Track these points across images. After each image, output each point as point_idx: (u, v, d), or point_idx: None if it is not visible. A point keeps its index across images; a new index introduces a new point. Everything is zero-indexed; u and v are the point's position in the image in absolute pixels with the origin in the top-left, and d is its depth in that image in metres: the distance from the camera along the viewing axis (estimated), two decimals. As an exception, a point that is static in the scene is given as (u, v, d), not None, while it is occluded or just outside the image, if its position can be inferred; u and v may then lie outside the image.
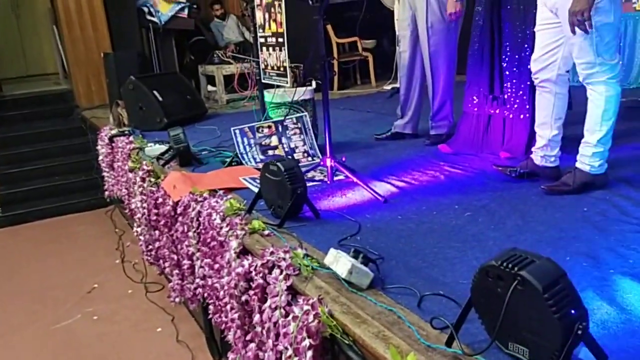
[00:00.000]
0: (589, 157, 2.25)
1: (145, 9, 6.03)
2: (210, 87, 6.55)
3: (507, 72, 2.86)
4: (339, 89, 6.75)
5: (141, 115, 4.60)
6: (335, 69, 6.74)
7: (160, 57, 6.10)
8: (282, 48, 2.41)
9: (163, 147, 3.55)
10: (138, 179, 3.22)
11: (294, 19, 3.89)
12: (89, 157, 5.68)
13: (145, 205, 3.08)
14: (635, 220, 1.96)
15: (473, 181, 2.60)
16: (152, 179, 3.12)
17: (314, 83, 3.74)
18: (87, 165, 5.68)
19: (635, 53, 4.88)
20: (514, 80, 2.84)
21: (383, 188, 2.58)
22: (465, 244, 1.90)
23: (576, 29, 2.06)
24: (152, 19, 6.00)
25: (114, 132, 4.44)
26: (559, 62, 2.30)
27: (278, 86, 2.86)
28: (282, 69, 2.47)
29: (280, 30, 2.39)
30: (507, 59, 2.85)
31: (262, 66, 2.65)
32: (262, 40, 2.58)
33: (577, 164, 2.29)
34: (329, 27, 6.60)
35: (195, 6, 6.51)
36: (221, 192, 2.59)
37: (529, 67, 2.57)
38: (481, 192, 2.43)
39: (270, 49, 2.52)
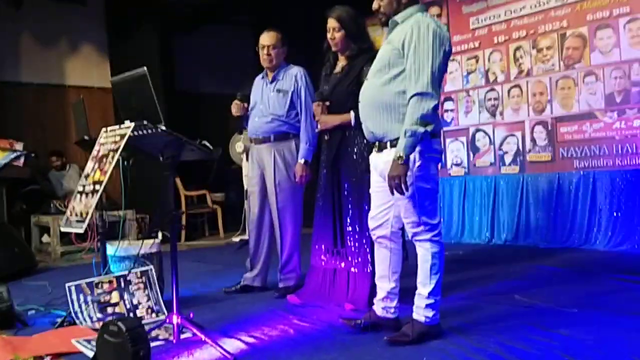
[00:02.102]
0: (423, 309, 2.43)
1: (-25, 156, 5.62)
2: (45, 238, 6.07)
3: (349, 229, 3.08)
4: (187, 240, 6.67)
5: (-44, 270, 4.06)
6: (184, 221, 6.70)
7: (-13, 206, 5.59)
8: (95, 194, 2.35)
9: (-20, 308, 3.11)
10: (-57, 346, 2.74)
11: (143, 172, 3.91)
12: None
13: (-52, 378, 2.60)
14: (468, 368, 2.11)
15: (321, 334, 2.64)
16: (-38, 346, 2.67)
17: (160, 235, 3.68)
18: None
19: (453, 212, 5.60)
20: (356, 236, 3.05)
21: (232, 345, 2.49)
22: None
23: (394, 191, 2.31)
24: (-18, 166, 5.59)
25: None
26: (392, 220, 2.55)
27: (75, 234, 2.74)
28: (83, 214, 2.39)
29: (101, 178, 2.36)
30: (348, 216, 3.08)
31: (68, 213, 2.55)
32: (81, 188, 2.52)
33: (414, 315, 2.45)
34: (177, 179, 6.67)
35: (33, 154, 6.22)
36: (48, 358, 2.30)
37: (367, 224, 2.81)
38: (330, 345, 2.46)
39: (84, 196, 2.45)
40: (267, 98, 3.49)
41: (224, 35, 8.03)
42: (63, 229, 2.58)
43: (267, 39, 3.46)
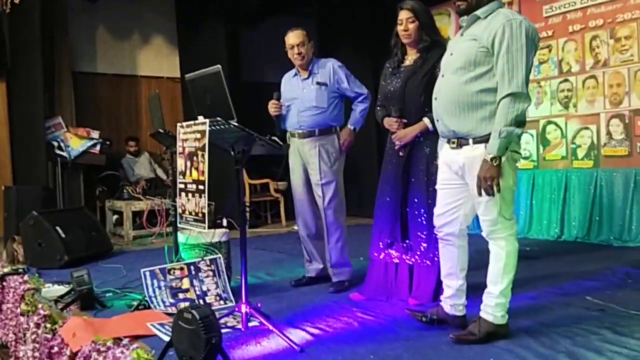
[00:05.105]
0: (492, 307, 2.39)
1: (55, 143, 5.95)
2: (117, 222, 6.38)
3: (413, 223, 3.05)
4: (250, 227, 6.81)
5: (39, 252, 4.35)
6: (247, 209, 6.86)
7: (66, 192, 5.92)
8: (202, 195, 2.47)
9: (63, 289, 3.33)
10: (32, 324, 2.95)
11: (209, 160, 4.01)
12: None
13: (37, 354, 2.80)
14: (538, 371, 2.07)
15: (386, 329, 2.65)
16: (49, 325, 2.87)
17: (224, 221, 3.76)
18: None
19: (520, 206, 5.43)
20: (419, 231, 3.03)
21: (298, 335, 2.55)
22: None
23: (483, 192, 2.27)
24: (62, 153, 5.91)
25: (5, 270, 4.11)
26: (461, 218, 2.51)
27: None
28: (200, 214, 2.52)
29: (201, 178, 2.48)
30: (413, 210, 3.06)
31: (179, 211, 2.68)
32: (182, 186, 2.64)
33: (482, 314, 2.42)
34: (242, 168, 6.81)
35: (108, 142, 6.53)
36: (126, 340, 2.43)
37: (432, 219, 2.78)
38: (394, 340, 2.47)
39: (190, 194, 2.57)
40: (307, 92, 3.48)
41: (288, 26, 8.08)
42: (181, 226, 2.74)
43: (294, 38, 3.50)
